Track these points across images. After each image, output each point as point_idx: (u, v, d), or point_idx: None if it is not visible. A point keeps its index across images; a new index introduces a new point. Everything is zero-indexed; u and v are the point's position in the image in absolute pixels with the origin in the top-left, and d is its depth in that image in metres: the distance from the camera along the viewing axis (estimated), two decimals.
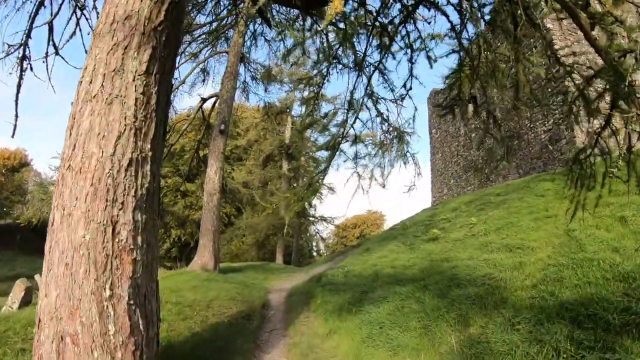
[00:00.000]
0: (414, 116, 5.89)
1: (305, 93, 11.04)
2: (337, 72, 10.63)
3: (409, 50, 5.23)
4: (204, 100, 16.07)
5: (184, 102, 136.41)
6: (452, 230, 11.26)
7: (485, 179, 17.40)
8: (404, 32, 5.23)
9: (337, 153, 5.69)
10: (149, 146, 3.82)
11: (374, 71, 5.37)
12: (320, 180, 5.55)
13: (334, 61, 10.68)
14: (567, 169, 4.42)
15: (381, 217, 43.41)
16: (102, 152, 3.52)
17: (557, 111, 13.34)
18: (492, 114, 5.18)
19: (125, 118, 3.68)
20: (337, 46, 7.67)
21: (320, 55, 7.80)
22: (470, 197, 14.08)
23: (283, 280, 14.95)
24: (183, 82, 16.53)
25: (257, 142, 31.09)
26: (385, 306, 7.47)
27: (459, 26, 4.78)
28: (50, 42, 7.29)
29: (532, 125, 14.54)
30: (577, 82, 3.94)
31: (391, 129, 9.63)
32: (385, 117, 8.50)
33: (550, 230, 8.52)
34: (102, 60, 3.80)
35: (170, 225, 29.42)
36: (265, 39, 16.86)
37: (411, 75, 5.42)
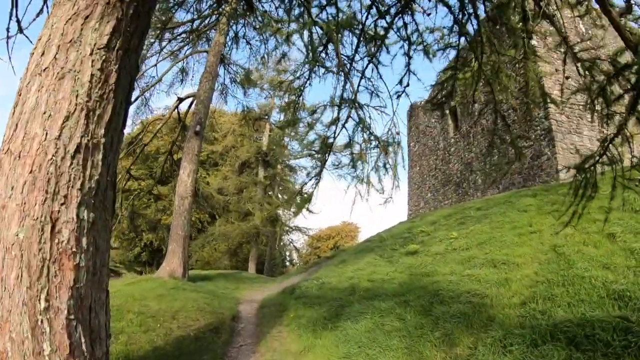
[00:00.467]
0: (409, 115, 5.36)
1: (286, 99, 10.60)
2: (320, 77, 10.23)
3: (406, 43, 4.81)
4: (180, 100, 15.39)
5: (161, 102, 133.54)
6: (432, 244, 10.90)
7: (464, 193, 17.25)
8: (400, 24, 4.81)
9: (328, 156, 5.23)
10: (102, 131, 3.23)
11: (367, 65, 4.92)
12: (314, 186, 5.07)
13: (317, 64, 10.26)
14: (572, 176, 4.05)
15: (356, 229, 43.10)
16: (46, 134, 2.94)
17: (538, 127, 13.28)
18: (500, 114, 4.79)
19: (76, 96, 3.10)
20: (325, 39, 7.26)
21: (305, 53, 7.38)
22: (449, 210, 13.81)
23: (255, 291, 14.30)
24: (160, 80, 15.84)
25: (234, 148, 30.43)
26: (364, 322, 6.97)
27: (460, 18, 4.39)
28: (14, 18, 6.57)
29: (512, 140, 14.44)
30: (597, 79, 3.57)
31: (373, 137, 9.26)
32: (367, 125, 8.12)
33: (535, 245, 8.24)
34: (58, 30, 3.23)
35: (141, 229, 28.34)
36: (247, 42, 16.40)
37: (408, 70, 4.99)
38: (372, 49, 5.06)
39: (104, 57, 3.27)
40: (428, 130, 20.82)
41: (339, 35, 9.64)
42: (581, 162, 3.83)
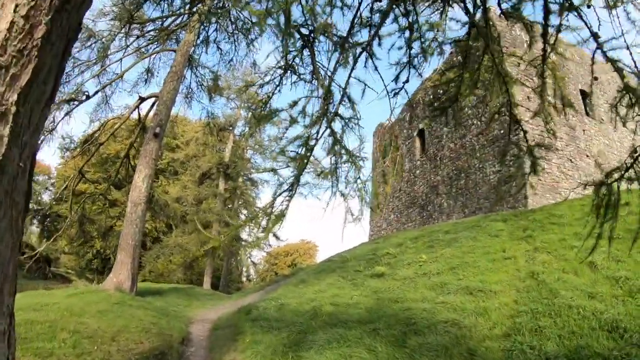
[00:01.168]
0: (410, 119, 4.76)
1: (257, 100, 9.81)
2: (292, 84, 9.53)
3: (405, 34, 4.20)
4: (142, 99, 14.23)
5: (123, 101, 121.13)
6: (399, 267, 10.29)
7: (428, 216, 16.94)
8: (398, 12, 4.20)
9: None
10: (15, 97, 2.34)
11: (360, 54, 4.26)
12: (286, 202, 4.31)
13: (289, 70, 9.52)
14: (593, 192, 3.51)
15: (314, 247, 42.91)
16: None
17: (509, 153, 13.15)
18: (514, 117, 4.22)
19: None
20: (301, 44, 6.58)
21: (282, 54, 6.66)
22: (415, 233, 13.34)
23: (208, 309, 13.16)
24: (122, 75, 14.67)
25: (196, 158, 29.12)
26: (329, 354, 6.14)
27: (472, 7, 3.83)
28: None
29: (481, 166, 14.33)
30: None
31: (344, 151, 8.63)
32: (339, 138, 7.44)
33: (511, 272, 7.78)
34: None
35: (92, 235, 26.33)
36: (218, 46, 15.57)
37: (409, 64, 4.36)
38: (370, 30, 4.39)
39: (32, 3, 2.41)
40: (394, 151, 20.60)
41: (315, 40, 9.05)
42: (605, 175, 3.28)
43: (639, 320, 5.19)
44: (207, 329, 9.82)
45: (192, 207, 26.43)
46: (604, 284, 6.22)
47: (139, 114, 14.88)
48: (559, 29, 3.48)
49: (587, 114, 14.66)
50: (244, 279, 40.96)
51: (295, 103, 4.37)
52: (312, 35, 8.93)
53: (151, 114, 14.10)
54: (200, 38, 13.88)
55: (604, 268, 6.64)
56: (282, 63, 9.48)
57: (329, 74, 5.98)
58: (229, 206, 28.89)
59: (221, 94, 19.65)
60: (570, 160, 13.27)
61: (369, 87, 4.60)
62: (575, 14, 3.27)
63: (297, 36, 9.45)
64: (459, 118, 15.75)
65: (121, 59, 14.77)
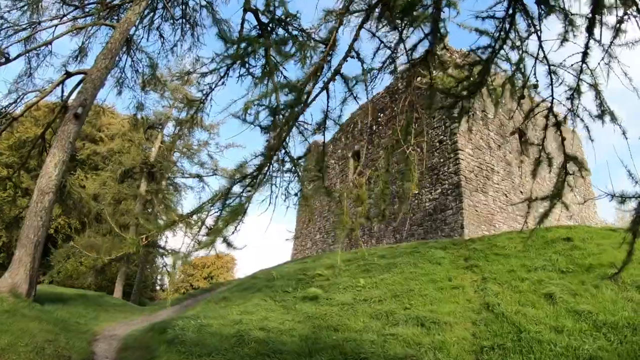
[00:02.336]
0: None
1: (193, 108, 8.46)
2: (239, 77, 8.37)
3: None
4: (68, 74, 11.98)
5: (49, 75, 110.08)
6: (334, 291, 9.32)
7: (356, 239, 16.31)
8: None
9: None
10: None
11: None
12: (249, 193, 3.27)
13: (238, 61, 8.42)
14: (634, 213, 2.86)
15: (232, 260, 41.39)
16: None
17: (446, 181, 13.04)
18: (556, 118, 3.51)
19: None
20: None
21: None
22: (347, 255, 12.55)
23: (118, 323, 11.15)
24: (49, 42, 12.33)
25: (119, 154, 26.04)
26: None
27: None
28: None
29: (416, 191, 14.05)
30: None
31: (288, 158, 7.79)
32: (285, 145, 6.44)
33: (462, 303, 7.19)
34: None
35: None
36: (160, 34, 13.91)
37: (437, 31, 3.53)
38: None
39: None
40: (326, 169, 19.94)
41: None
42: None
43: (615, 357, 4.72)
44: (114, 348, 8.05)
45: (109, 206, 23.48)
46: (566, 318, 5.79)
47: (63, 91, 12.59)
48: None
49: (523, 152, 15.27)
50: (157, 287, 37.81)
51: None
52: (271, 24, 7.88)
53: (77, 90, 11.97)
54: (144, 22, 12.23)
55: (562, 301, 6.24)
56: (231, 51, 8.25)
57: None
58: (149, 210, 26.15)
59: (155, 88, 17.67)
60: (505, 194, 13.51)
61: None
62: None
63: (255, 23, 8.30)
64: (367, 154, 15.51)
65: (55, 26, 12.60)
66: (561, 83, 3.49)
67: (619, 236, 8.68)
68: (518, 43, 3.56)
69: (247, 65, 8.11)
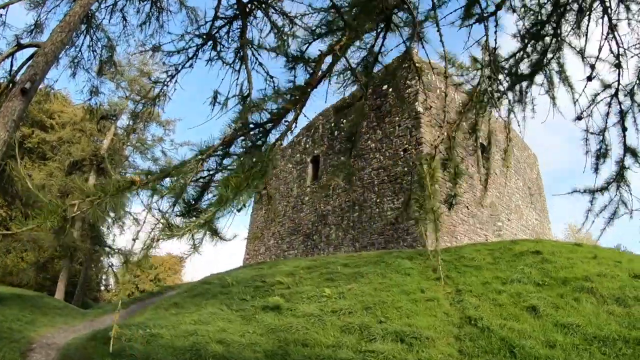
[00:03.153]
0: None
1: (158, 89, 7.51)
2: (209, 61, 7.68)
3: None
4: (19, 46, 10.31)
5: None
6: (297, 301, 8.65)
7: (313, 246, 15.74)
8: None
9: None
10: None
11: None
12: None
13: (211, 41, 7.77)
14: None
15: (179, 262, 39.26)
16: None
17: (409, 191, 12.80)
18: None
19: None
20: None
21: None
22: (307, 262, 11.92)
23: (57, 328, 9.79)
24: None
25: (69, 144, 23.64)
26: None
27: None
28: None
29: (378, 200, 13.74)
30: None
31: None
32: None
33: (439, 316, 6.80)
34: None
35: None
36: (124, 16, 12.58)
37: None
38: None
39: None
40: (282, 174, 19.21)
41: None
42: None
43: None
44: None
45: (55, 199, 21.16)
46: (555, 332, 5.56)
47: (12, 65, 10.92)
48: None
49: (484, 166, 15.40)
50: (102, 287, 35.29)
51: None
52: (250, 5, 7.14)
53: (25, 67, 10.40)
54: (108, 1, 10.95)
55: (547, 314, 6.02)
56: (203, 30, 7.40)
57: None
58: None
59: (113, 77, 16.13)
60: (467, 207, 13.51)
61: None
62: None
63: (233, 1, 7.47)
64: (358, 149, 15.16)
65: None
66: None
67: (585, 251, 8.77)
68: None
69: (218, 48, 7.38)
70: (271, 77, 7.39)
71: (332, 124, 17.22)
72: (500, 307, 6.56)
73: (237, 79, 7.25)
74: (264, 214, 19.42)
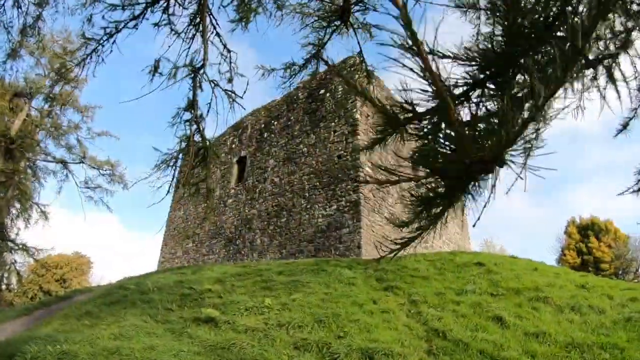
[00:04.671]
0: None
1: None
2: (156, 25, 6.63)
3: None
4: None
5: None
6: (234, 312, 7.66)
7: (236, 251, 14.60)
8: None
9: None
10: None
11: None
12: None
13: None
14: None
15: (88, 262, 36.25)
16: None
17: (343, 198, 12.44)
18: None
19: None
20: None
21: None
22: (235, 269, 10.85)
23: None
24: None
25: None
26: None
27: None
28: None
29: (309, 206, 13.15)
30: None
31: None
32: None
33: (401, 329, 6.38)
34: None
35: None
36: None
37: None
38: None
39: None
40: (195, 174, 17.73)
41: None
42: None
43: None
44: None
45: None
46: (529, 342, 5.48)
47: None
48: None
49: (414, 177, 15.56)
50: (3, 286, 29.98)
51: None
52: None
53: None
54: None
55: (513, 324, 5.91)
56: None
57: None
58: (0, 194, 19.85)
59: (34, 49, 13.48)
60: (398, 218, 13.50)
61: None
62: None
63: None
64: (289, 152, 14.52)
65: None
66: None
67: (523, 262, 9.07)
68: None
69: (170, 10, 6.26)
70: (229, 50, 6.49)
71: (262, 125, 16.34)
72: (464, 318, 6.34)
73: (189, 48, 6.23)
74: (182, 215, 17.77)
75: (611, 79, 1.29)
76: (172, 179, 7.19)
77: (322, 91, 14.53)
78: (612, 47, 1.24)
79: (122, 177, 18.41)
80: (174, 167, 6.74)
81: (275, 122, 15.82)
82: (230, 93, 6.26)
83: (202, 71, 5.96)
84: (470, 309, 6.63)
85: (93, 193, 17.89)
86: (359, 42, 5.54)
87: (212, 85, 6.13)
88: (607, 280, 8.29)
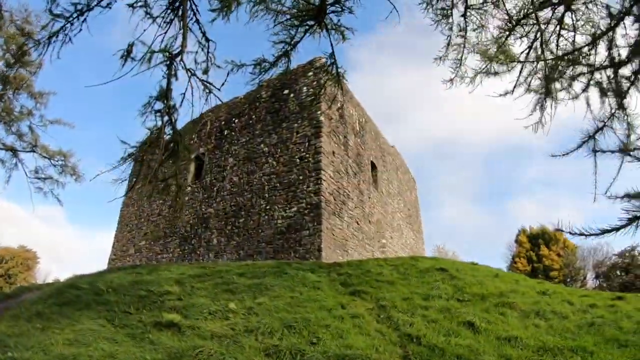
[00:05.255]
0: None
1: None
2: (131, 7, 6.24)
3: None
4: None
5: None
6: (197, 316, 7.31)
7: (191, 251, 14.03)
8: None
9: None
10: None
11: None
12: None
13: None
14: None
15: (34, 257, 34.47)
16: None
17: (304, 200, 12.31)
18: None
19: None
20: None
21: None
22: (194, 270, 10.36)
23: None
24: None
25: None
26: None
27: None
28: None
29: (268, 207, 12.90)
30: None
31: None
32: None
33: (374, 335, 6.35)
34: None
35: None
36: None
37: None
38: None
39: None
40: (160, 169, 16.92)
41: None
42: None
43: None
44: None
45: None
46: (503, 346, 5.63)
47: None
48: None
49: (374, 182, 15.80)
50: None
51: None
52: None
53: None
54: None
55: (485, 330, 6.08)
56: None
57: None
58: None
59: None
60: (357, 222, 13.57)
61: None
62: None
63: None
64: (249, 151, 14.22)
65: None
66: None
67: (484, 269, 9.40)
68: None
69: None
70: (207, 39, 6.17)
71: (222, 122, 15.86)
72: (435, 324, 6.43)
73: (165, 33, 5.86)
74: (135, 211, 16.82)
75: None
76: (139, 174, 6.78)
77: (286, 91, 14.34)
78: None
79: (74, 169, 17.16)
80: (140, 162, 6.38)
81: (236, 120, 15.41)
82: (207, 84, 5.95)
83: (179, 58, 5.63)
84: (440, 314, 6.74)
85: (43, 184, 16.53)
86: (331, 44, 5.45)
87: (189, 74, 5.80)
88: (564, 287, 8.78)
